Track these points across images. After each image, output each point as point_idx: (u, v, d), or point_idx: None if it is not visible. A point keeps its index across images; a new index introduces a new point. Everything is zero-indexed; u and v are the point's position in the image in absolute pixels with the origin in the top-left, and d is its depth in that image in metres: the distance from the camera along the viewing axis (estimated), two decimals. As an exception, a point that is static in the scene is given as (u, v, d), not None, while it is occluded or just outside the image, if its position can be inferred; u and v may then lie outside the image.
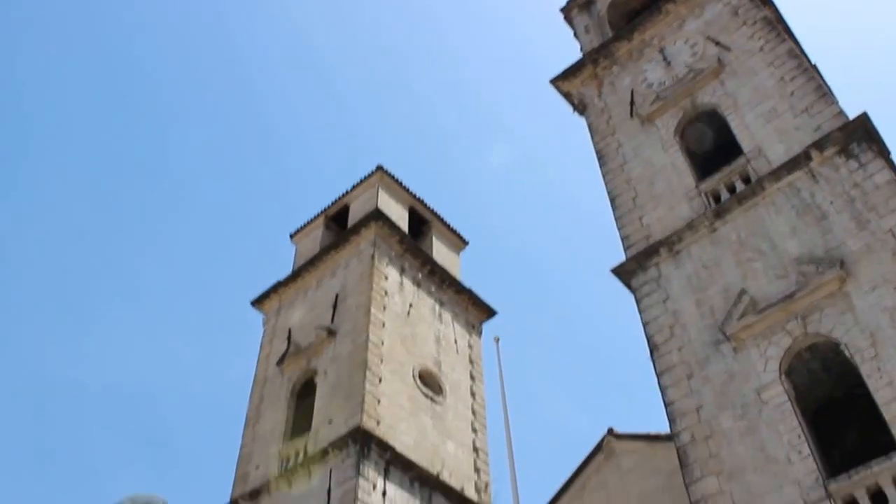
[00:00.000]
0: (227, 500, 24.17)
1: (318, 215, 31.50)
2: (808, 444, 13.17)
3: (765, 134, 17.57)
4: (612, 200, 19.57)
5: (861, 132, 15.74)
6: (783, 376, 14.15)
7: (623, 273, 17.76)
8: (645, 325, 16.64)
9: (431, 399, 24.92)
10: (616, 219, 19.18)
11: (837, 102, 17.08)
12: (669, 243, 17.34)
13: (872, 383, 13.07)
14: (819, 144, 16.10)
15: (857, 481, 12.31)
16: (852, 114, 16.18)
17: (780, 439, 13.44)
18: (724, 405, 14.42)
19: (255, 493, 23.24)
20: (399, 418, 23.17)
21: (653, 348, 16.13)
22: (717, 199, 17.52)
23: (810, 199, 15.72)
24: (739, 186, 17.20)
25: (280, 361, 26.39)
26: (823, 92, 17.25)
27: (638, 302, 17.12)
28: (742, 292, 15.39)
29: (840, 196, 15.30)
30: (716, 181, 17.77)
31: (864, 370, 13.26)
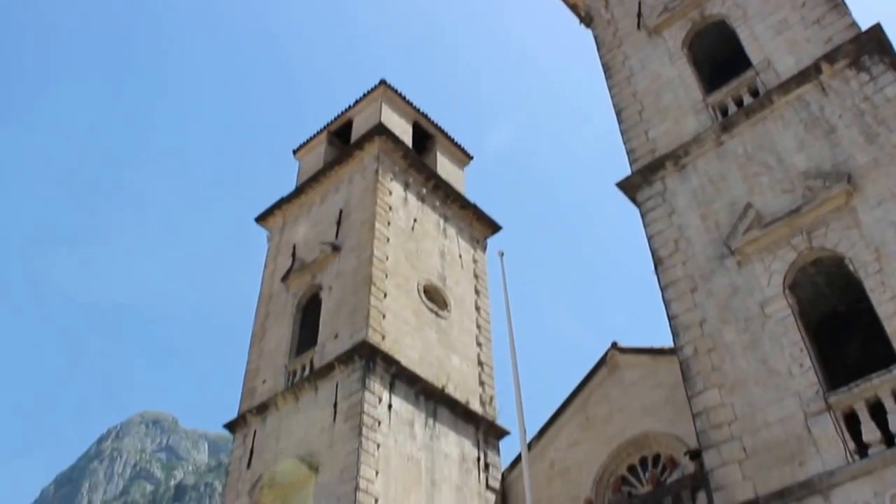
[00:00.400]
0: (235, 414, 24.59)
1: (321, 131, 31.23)
2: (810, 357, 13.30)
3: (774, 46, 17.26)
4: (618, 114, 19.36)
5: (873, 44, 15.44)
6: (787, 290, 14.21)
7: (628, 187, 17.67)
8: (650, 239, 16.64)
9: (436, 313, 25.08)
10: (622, 132, 19.00)
11: (850, 13, 16.67)
12: (675, 157, 17.22)
13: (875, 297, 13.13)
14: (830, 57, 15.82)
15: (857, 394, 12.46)
16: (865, 25, 15.87)
17: (782, 352, 13.57)
18: (728, 319, 14.51)
19: (263, 408, 23.60)
20: (404, 333, 23.37)
21: (657, 262, 16.16)
22: (725, 112, 17.31)
23: (819, 112, 15.53)
24: (747, 100, 16.98)
25: (285, 277, 26.51)
26: (836, 2, 16.84)
27: (643, 216, 17.08)
28: (748, 206, 15.33)
29: (849, 110, 15.10)
30: (723, 94, 17.53)
31: (868, 284, 13.30)
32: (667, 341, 17.95)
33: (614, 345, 22.59)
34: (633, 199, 17.56)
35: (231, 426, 24.48)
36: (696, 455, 14.92)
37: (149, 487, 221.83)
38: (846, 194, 14.13)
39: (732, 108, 17.14)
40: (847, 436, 12.28)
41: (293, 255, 26.92)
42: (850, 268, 13.67)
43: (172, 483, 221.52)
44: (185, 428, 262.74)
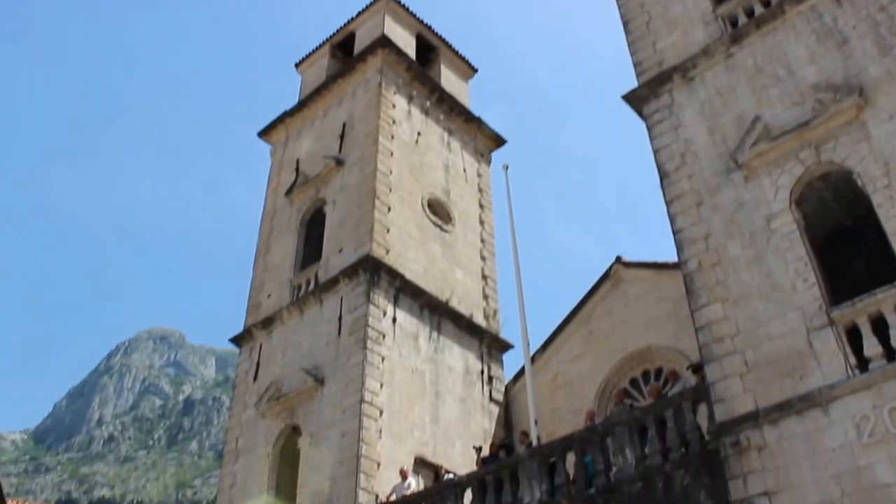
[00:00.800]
0: (241, 329, 24.79)
1: (324, 43, 30.77)
2: (814, 272, 13.24)
3: (788, -46, 16.75)
4: (625, 25, 18.91)
5: (891, -50, 14.97)
6: (793, 205, 14.07)
7: (635, 100, 17.39)
8: (656, 152, 16.43)
9: (440, 227, 25.06)
10: (629, 44, 18.60)
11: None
12: (683, 69, 16.88)
13: (883, 212, 13.00)
14: (845, -36, 15.36)
15: (860, 309, 12.44)
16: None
17: (787, 267, 13.51)
18: (733, 233, 14.43)
19: (268, 322, 23.80)
20: (408, 247, 23.39)
21: (663, 176, 16.00)
22: (735, 23, 16.90)
23: (832, 23, 15.15)
24: (758, 10, 16.55)
25: (288, 192, 26.44)
26: None
27: (649, 129, 16.84)
28: (756, 119, 15.09)
29: (864, 20, 14.71)
30: (733, 4, 17.09)
31: (876, 199, 13.16)
32: (671, 258, 17.99)
33: (618, 259, 22.61)
34: (640, 113, 17.29)
35: (237, 340, 24.75)
36: (698, 368, 15.01)
37: (158, 402, 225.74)
38: (857, 108, 13.88)
39: (742, 19, 16.72)
40: (848, 350, 12.29)
41: (296, 169, 26.81)
42: (859, 182, 13.51)
43: (181, 397, 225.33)
44: (193, 344, 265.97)
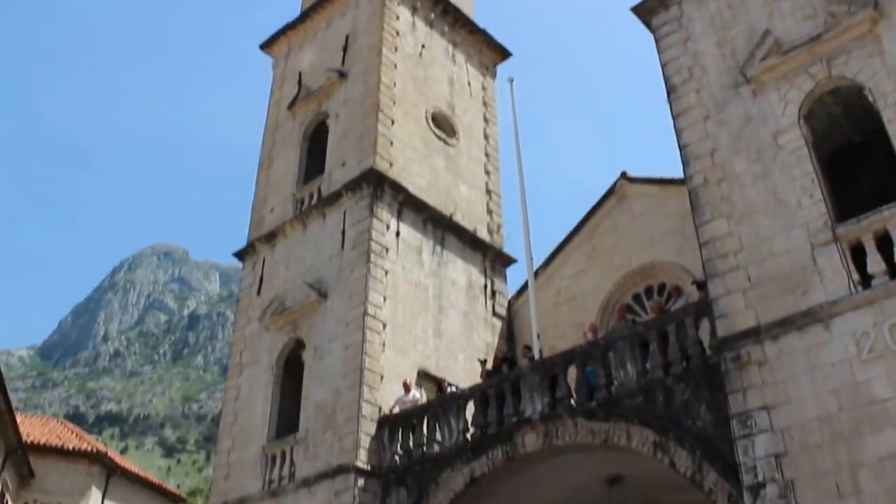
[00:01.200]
0: (244, 243, 24.80)
1: (326, -47, 30.03)
2: (820, 189, 13.16)
3: None
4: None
5: None
6: (802, 120, 13.90)
7: (643, 12, 17.03)
8: (663, 66, 16.17)
9: (444, 141, 24.84)
10: (638, -48, 18.14)
11: None
12: (694, -21, 16.48)
13: (893, 129, 12.86)
14: None
15: (865, 226, 12.40)
16: None
17: (793, 183, 13.42)
18: (740, 149, 14.29)
19: (271, 236, 23.78)
20: (412, 160, 23.22)
21: (670, 90, 15.78)
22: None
23: (848, -68, 14.72)
24: (772, -82, 16.07)
25: (291, 105, 26.15)
26: None
27: (657, 42, 16.53)
28: (766, 33, 14.79)
29: (880, -73, 14.29)
30: (748, -88, 16.59)
31: (887, 115, 13.00)
32: (677, 175, 17.86)
33: (623, 174, 22.50)
34: (648, 25, 16.96)
35: (240, 255, 24.78)
36: (702, 285, 15.06)
37: (163, 317, 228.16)
38: (871, 21, 13.57)
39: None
40: (852, 267, 12.30)
41: (299, 82, 26.48)
42: (870, 98, 13.31)
43: (186, 312, 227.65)
44: (196, 260, 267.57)
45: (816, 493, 11.36)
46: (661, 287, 20.85)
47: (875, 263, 12.10)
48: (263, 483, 19.85)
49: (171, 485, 49.82)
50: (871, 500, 10.91)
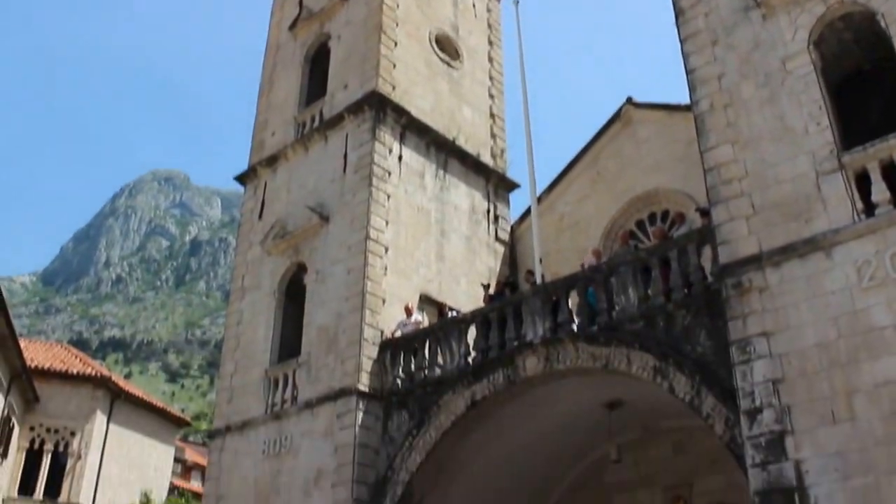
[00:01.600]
0: (245, 167, 24.68)
1: None
2: (828, 116, 13.00)
3: None
4: None
5: None
6: (811, 46, 13.65)
7: (653, -67, 16.66)
8: (672, -12, 15.86)
9: (448, 64, 24.52)
10: None
11: None
12: None
13: (904, 56, 12.66)
14: None
15: (872, 154, 12.28)
16: None
17: (800, 110, 13.25)
18: (747, 74, 14.08)
19: (272, 160, 23.64)
20: (415, 83, 22.95)
21: (678, 13, 15.48)
22: None
23: None
24: None
25: (292, 27, 25.76)
26: None
27: (667, -36, 16.20)
28: (778, -46, 14.46)
29: None
30: None
31: (898, 42, 12.78)
32: (682, 98, 17.66)
33: (629, 100, 22.29)
34: (658, -54, 16.62)
35: (242, 179, 24.69)
36: (706, 213, 15.01)
37: (164, 243, 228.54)
38: (886, -58, 13.25)
39: None
40: (856, 196, 12.21)
41: (300, 3, 26.05)
42: (882, 24, 13.06)
43: (187, 238, 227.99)
44: (198, 185, 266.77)
45: (812, 418, 11.47)
46: (665, 214, 20.81)
47: (880, 192, 12.03)
48: (266, 406, 20.09)
49: (175, 409, 50.44)
50: (866, 426, 11.03)
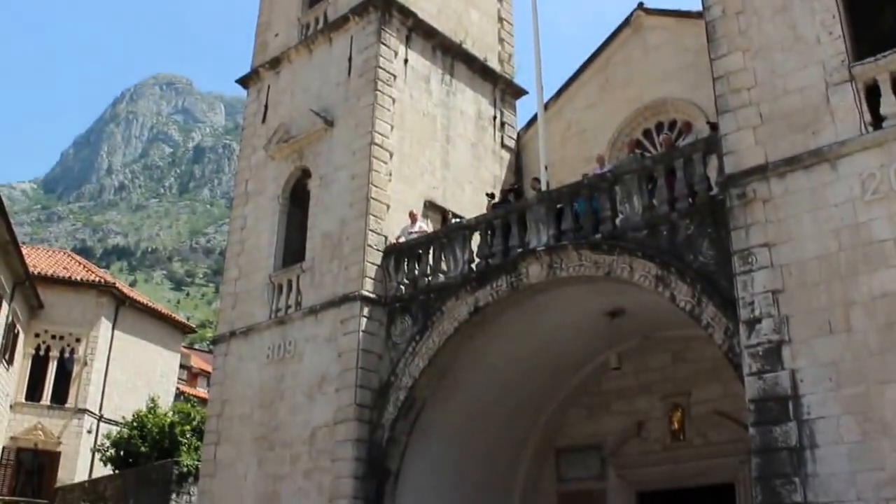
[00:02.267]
0: (248, 69, 24.34)
1: None
2: (841, 25, 12.78)
3: None
4: None
5: None
6: (827, -49, 13.33)
7: None
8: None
9: (455, -35, 23.93)
10: None
11: None
12: None
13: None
14: None
15: (883, 65, 12.11)
16: None
17: (813, 18, 13.02)
18: (761, -20, 13.78)
19: (276, 62, 23.29)
20: (421, -17, 22.43)
21: (693, -83, 15.12)
22: None
23: None
24: None
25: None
26: None
27: None
28: None
29: None
30: None
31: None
32: (696, 8, 17.35)
33: (640, 5, 21.92)
34: None
35: (244, 81, 24.37)
36: (716, 126, 14.90)
37: (167, 150, 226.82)
38: None
39: None
40: (865, 108, 12.09)
41: None
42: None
43: (190, 145, 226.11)
44: (200, 91, 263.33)
45: (809, 329, 11.61)
46: (673, 123, 20.63)
47: (889, 104, 11.92)
48: (270, 311, 20.28)
49: (180, 316, 50.88)
50: (861, 337, 11.19)
